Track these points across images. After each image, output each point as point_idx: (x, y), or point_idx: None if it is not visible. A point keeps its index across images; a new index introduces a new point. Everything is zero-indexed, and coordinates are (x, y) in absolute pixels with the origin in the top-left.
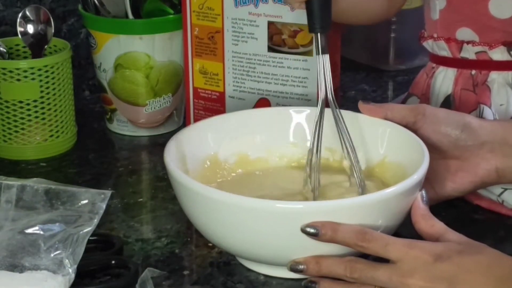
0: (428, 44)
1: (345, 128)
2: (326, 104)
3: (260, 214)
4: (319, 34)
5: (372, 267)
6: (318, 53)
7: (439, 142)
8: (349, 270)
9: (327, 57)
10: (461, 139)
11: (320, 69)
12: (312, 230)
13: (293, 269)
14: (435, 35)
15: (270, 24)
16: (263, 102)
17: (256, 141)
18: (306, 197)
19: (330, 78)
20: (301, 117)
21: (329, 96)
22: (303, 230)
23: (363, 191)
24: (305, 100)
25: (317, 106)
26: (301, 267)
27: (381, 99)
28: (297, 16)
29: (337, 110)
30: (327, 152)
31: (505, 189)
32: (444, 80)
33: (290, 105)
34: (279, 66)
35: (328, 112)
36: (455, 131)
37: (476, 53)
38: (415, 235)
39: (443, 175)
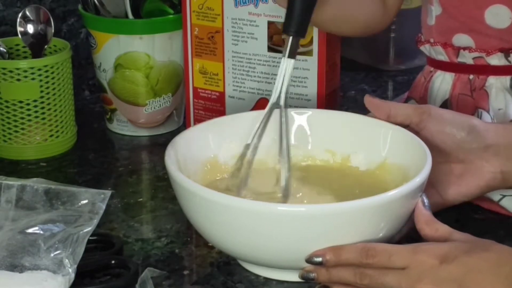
0: (425, 49)
1: (287, 139)
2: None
3: (262, 217)
4: (291, 38)
5: (382, 273)
6: (284, 55)
7: (443, 143)
8: (359, 277)
9: (292, 62)
10: (466, 141)
11: (281, 72)
12: (317, 260)
13: (304, 278)
14: (432, 40)
15: (270, 24)
16: (263, 102)
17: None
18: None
19: (287, 84)
20: (302, 119)
21: (281, 102)
22: (309, 261)
23: (286, 197)
24: (305, 100)
25: (267, 107)
26: (312, 275)
27: (381, 99)
28: None
29: (285, 118)
30: (327, 154)
31: (504, 196)
32: (442, 84)
33: (290, 105)
34: (279, 66)
35: (324, 115)
36: (461, 133)
37: (474, 58)
38: (413, 237)
39: (447, 179)
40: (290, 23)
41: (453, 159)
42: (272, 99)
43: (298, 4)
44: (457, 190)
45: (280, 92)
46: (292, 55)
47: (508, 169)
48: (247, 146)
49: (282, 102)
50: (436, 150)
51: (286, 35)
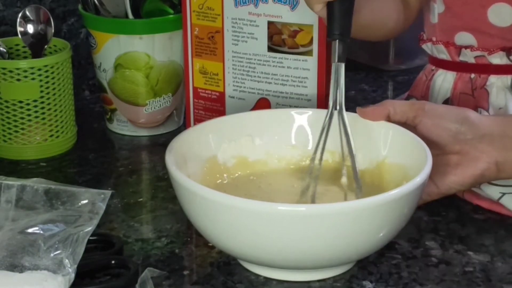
0: (427, 47)
1: (351, 141)
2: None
3: (262, 217)
4: (337, 41)
5: None
6: (333, 61)
7: (439, 136)
8: None
9: (342, 66)
10: (461, 132)
11: (334, 77)
12: None
13: None
14: (434, 39)
15: (270, 24)
16: (263, 102)
17: (256, 144)
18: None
19: (343, 88)
20: (303, 119)
21: (342, 106)
22: None
23: (361, 194)
24: (305, 100)
25: (326, 115)
26: None
27: (381, 99)
28: (297, 16)
29: (346, 121)
30: (326, 153)
31: (504, 194)
32: (443, 83)
33: (290, 105)
34: (279, 66)
35: (324, 115)
36: (455, 124)
37: (475, 57)
38: (413, 237)
39: (443, 169)
40: (333, 28)
41: (449, 150)
42: (330, 107)
43: (337, 8)
44: (452, 180)
45: (337, 98)
46: (341, 59)
47: (503, 159)
48: (312, 159)
49: (340, 108)
50: (433, 144)
51: (332, 40)
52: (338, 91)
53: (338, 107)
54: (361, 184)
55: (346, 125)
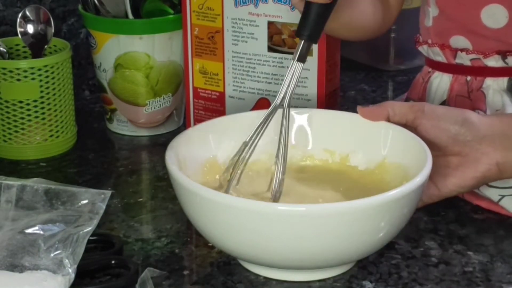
0: (423, 49)
1: (286, 141)
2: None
3: (262, 216)
4: (303, 41)
5: None
6: (294, 58)
7: (438, 138)
8: None
9: (301, 66)
10: (461, 133)
11: (289, 74)
12: None
13: None
14: (430, 41)
15: (270, 24)
16: (263, 102)
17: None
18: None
19: (293, 87)
20: (302, 119)
21: (285, 104)
22: None
23: (277, 199)
24: (305, 100)
25: (269, 107)
26: None
27: (381, 99)
28: (297, 16)
29: (286, 120)
30: (326, 153)
31: (503, 196)
32: (440, 85)
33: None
34: (279, 66)
35: (324, 114)
36: (455, 126)
37: (471, 60)
38: (413, 238)
39: (444, 171)
40: (304, 27)
41: (449, 152)
42: (276, 100)
43: (314, 10)
44: (453, 182)
45: (285, 94)
46: (302, 59)
47: (504, 160)
48: (245, 144)
49: (285, 104)
50: (433, 145)
51: (298, 38)
52: (290, 88)
53: (285, 103)
54: (281, 188)
55: (288, 123)
